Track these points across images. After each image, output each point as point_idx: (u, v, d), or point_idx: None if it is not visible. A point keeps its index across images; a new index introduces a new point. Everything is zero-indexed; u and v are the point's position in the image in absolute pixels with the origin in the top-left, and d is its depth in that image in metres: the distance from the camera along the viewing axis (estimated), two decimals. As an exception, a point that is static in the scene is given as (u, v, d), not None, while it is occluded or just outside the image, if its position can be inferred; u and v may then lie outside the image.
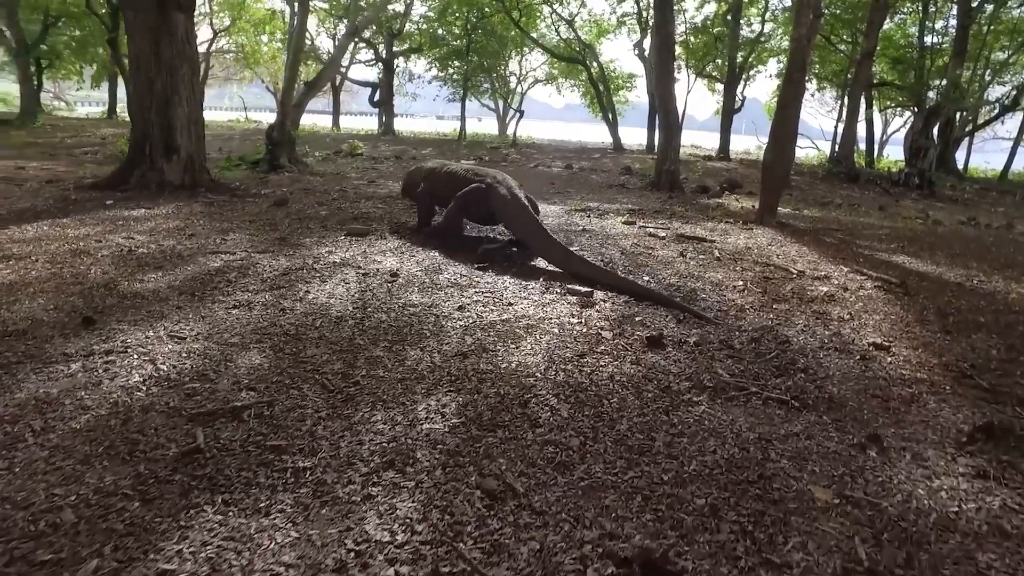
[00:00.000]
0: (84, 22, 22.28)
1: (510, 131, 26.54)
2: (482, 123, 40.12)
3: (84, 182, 7.63)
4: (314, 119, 31.52)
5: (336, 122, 28.64)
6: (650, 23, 17.32)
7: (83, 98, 34.76)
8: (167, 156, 7.55)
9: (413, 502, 1.84)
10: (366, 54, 27.29)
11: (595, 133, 30.00)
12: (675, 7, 20.45)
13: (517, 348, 3.06)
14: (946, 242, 7.08)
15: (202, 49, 26.50)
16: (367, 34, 24.50)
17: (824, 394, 2.73)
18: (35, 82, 21.53)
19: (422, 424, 2.29)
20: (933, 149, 14.07)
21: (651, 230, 6.46)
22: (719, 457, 2.15)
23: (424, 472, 1.99)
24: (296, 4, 11.83)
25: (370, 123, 28.95)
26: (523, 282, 4.25)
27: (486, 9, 23.19)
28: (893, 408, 2.64)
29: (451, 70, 26.47)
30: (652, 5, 12.84)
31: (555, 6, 23.77)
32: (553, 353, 3.01)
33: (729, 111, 19.72)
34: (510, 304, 3.76)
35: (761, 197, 7.60)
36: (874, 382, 2.91)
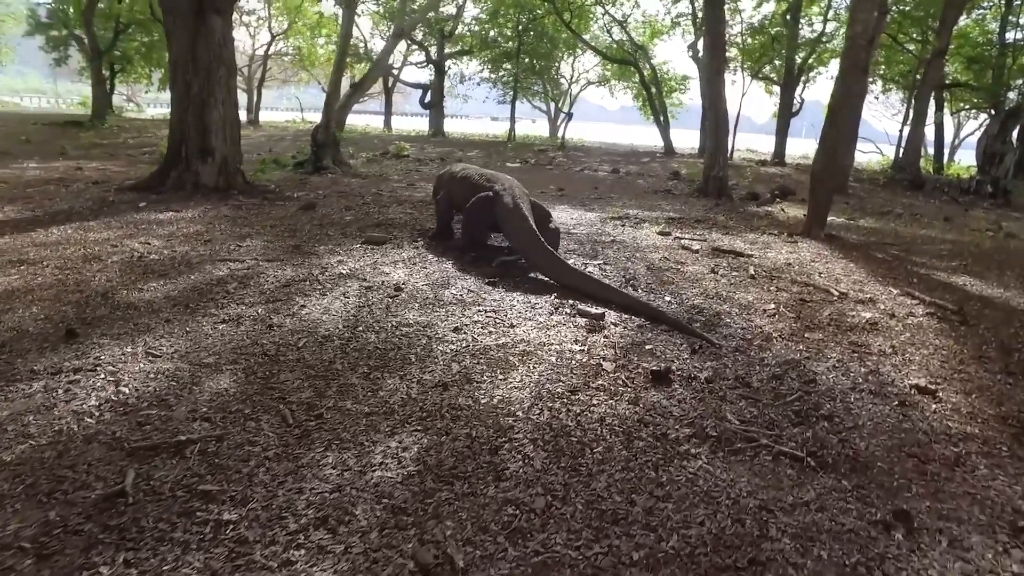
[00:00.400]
0: (151, 28, 23.23)
1: (560, 133, 26.22)
2: (536, 125, 39.93)
3: (125, 184, 7.78)
4: (366, 120, 32.02)
5: (388, 123, 28.96)
6: (704, 23, 16.67)
7: (153, 100, 36.34)
8: (202, 158, 7.63)
9: (334, 573, 1.61)
10: (418, 56, 27.49)
11: (649, 136, 29.26)
12: (731, 7, 19.84)
13: (505, 379, 2.79)
14: (1019, 260, 6.38)
15: (260, 52, 27.32)
16: (418, 36, 24.66)
17: (848, 450, 2.34)
18: (108, 85, 22.59)
19: (374, 471, 2.06)
20: (1011, 154, 12.99)
21: (686, 242, 6.07)
22: (706, 531, 1.83)
23: (358, 534, 1.75)
24: (344, 7, 11.88)
25: (422, 124, 29.11)
26: (532, 300, 3.97)
27: (537, 11, 22.95)
28: (931, 473, 2.23)
29: (502, 72, 26.36)
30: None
31: (608, 7, 23.31)
32: (543, 387, 2.73)
33: (786, 114, 18.84)
34: (511, 326, 3.49)
35: (809, 207, 7.06)
36: (911, 436, 2.49)
